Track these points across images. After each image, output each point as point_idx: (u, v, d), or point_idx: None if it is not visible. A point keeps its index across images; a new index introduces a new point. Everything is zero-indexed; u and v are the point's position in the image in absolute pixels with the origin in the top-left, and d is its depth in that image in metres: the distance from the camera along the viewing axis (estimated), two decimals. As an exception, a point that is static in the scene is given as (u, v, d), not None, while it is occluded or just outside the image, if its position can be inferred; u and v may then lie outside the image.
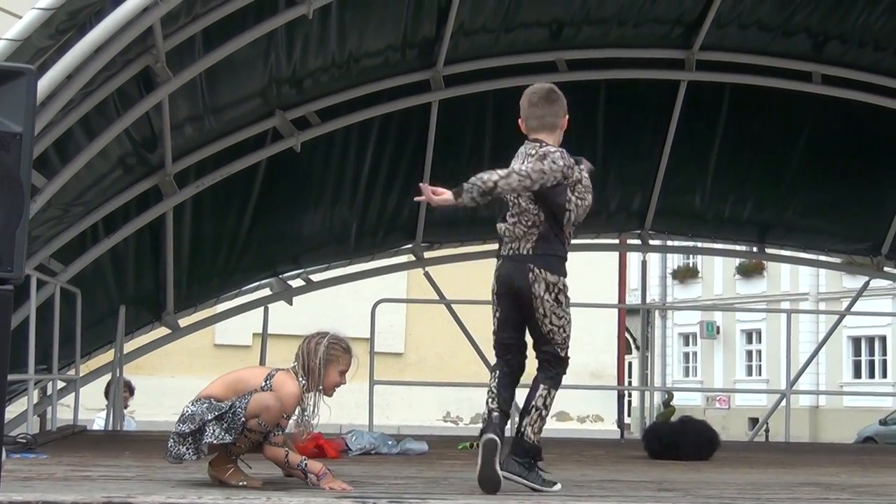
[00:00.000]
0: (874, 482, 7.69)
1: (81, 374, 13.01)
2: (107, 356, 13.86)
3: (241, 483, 6.22)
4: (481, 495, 5.85)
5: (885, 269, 15.72)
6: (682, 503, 5.48)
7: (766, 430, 23.83)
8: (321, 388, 6.36)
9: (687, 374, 52.87)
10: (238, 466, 6.33)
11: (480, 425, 6.43)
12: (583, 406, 23.10)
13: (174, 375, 22.16)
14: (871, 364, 45.19)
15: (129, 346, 13.88)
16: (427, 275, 14.90)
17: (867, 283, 16.28)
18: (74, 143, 10.14)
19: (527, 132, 6.66)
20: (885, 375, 44.08)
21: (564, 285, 6.41)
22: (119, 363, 13.39)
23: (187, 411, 6.25)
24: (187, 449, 6.20)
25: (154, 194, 12.33)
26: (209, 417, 6.15)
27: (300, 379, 6.31)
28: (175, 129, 11.53)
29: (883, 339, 44.20)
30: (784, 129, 14.52)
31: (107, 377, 13.86)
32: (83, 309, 12.22)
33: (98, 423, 14.47)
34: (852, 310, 18.50)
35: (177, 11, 9.50)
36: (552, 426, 21.85)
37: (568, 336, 6.41)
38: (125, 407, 14.11)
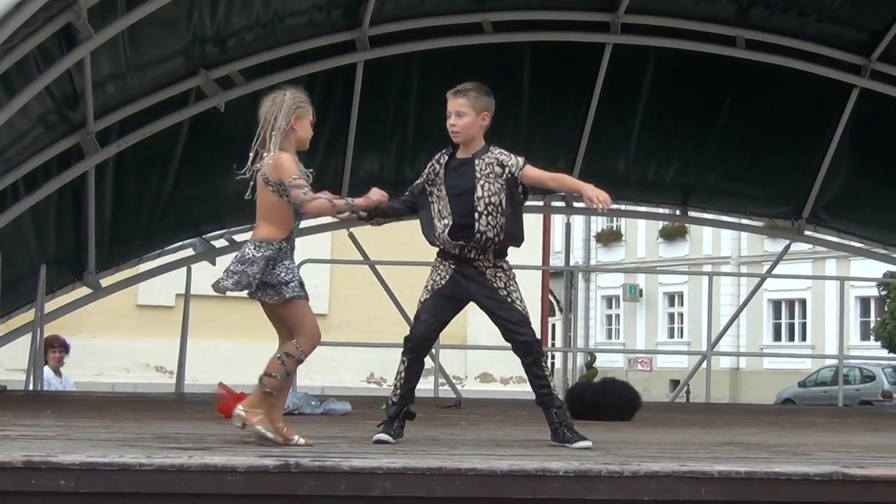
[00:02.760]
0: (792, 442, 7.82)
1: (1, 335, 12.88)
2: (27, 316, 13.73)
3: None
4: (403, 454, 5.87)
5: (806, 232, 15.88)
6: (603, 462, 5.53)
7: (687, 392, 24.10)
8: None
9: (610, 337, 53.36)
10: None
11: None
12: (505, 368, 23.14)
13: (96, 336, 21.97)
14: (791, 327, 45.85)
15: (51, 306, 13.75)
16: (352, 236, 14.86)
17: (788, 247, 16.45)
18: (-6, 101, 10.01)
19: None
20: (804, 338, 44.76)
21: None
22: (40, 323, 13.27)
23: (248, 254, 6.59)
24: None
25: (76, 153, 12.19)
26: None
27: (275, 149, 6.91)
28: (97, 86, 11.39)
29: (803, 302, 44.85)
30: (708, 93, 14.58)
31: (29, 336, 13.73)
32: (2, 268, 12.07)
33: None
34: (773, 273, 18.68)
35: (99, -33, 9.39)
36: (475, 387, 21.88)
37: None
38: (62, 365, 13.90)
